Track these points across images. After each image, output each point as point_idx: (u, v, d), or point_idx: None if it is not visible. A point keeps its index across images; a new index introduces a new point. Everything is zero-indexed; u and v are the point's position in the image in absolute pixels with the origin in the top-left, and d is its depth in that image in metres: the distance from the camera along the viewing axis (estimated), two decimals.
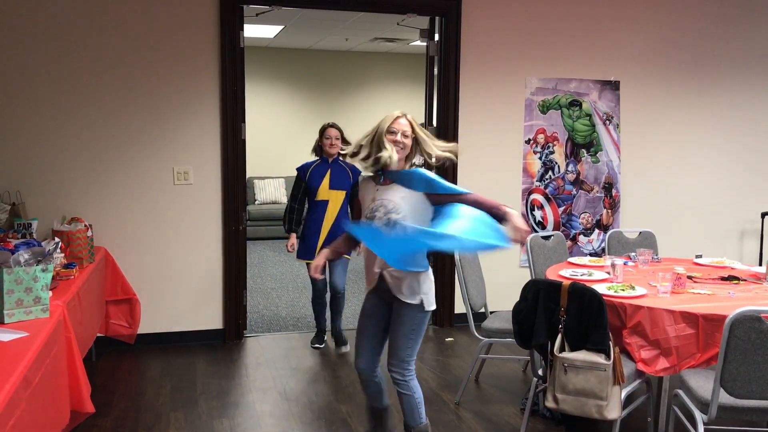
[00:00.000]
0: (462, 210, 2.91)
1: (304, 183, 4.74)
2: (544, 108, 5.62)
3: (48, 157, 4.68)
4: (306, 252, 4.79)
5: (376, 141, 3.00)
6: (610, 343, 3.11)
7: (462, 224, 2.79)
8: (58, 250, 3.71)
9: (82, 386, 3.10)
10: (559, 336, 3.17)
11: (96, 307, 4.16)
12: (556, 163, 5.70)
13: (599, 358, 3.07)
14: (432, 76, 5.51)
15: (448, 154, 3.10)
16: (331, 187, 4.69)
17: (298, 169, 4.79)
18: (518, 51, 5.51)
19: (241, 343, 5.14)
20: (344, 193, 4.72)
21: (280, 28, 8.61)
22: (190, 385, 4.29)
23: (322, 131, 4.76)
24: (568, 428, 3.72)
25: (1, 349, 2.49)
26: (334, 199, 4.69)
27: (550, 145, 5.67)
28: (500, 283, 5.14)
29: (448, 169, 5.39)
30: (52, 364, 2.73)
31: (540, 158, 5.65)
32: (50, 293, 3.05)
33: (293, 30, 8.76)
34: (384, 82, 11.12)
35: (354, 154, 3.06)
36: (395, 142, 2.98)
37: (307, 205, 4.82)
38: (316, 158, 4.78)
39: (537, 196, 5.68)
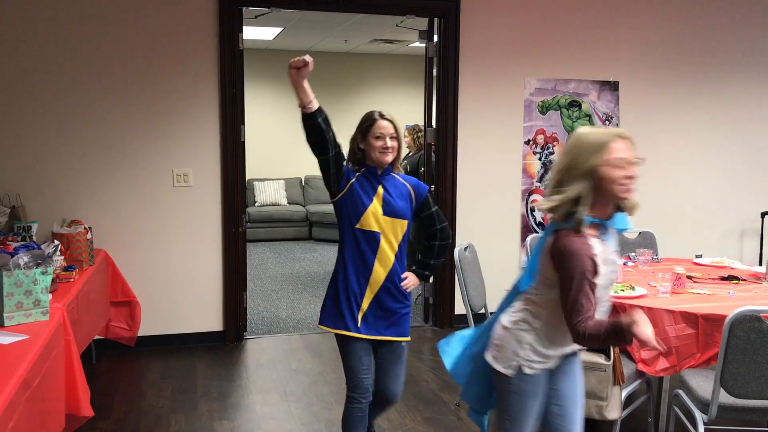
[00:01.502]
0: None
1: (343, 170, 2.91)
2: (544, 108, 5.62)
3: (48, 160, 4.69)
4: (334, 315, 2.98)
5: (591, 183, 2.19)
6: None
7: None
8: (58, 253, 3.70)
9: (80, 390, 3.10)
10: None
11: (97, 309, 4.16)
12: None
13: (599, 359, 3.07)
14: (431, 77, 5.51)
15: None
16: (387, 212, 2.89)
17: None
18: (517, 52, 5.51)
19: (242, 344, 5.14)
20: (405, 223, 2.94)
21: (279, 29, 8.62)
22: (191, 387, 4.29)
23: (368, 125, 2.91)
24: None
25: (1, 351, 2.49)
26: (390, 231, 2.90)
27: (550, 145, 5.67)
28: (500, 283, 5.11)
29: (447, 170, 5.39)
30: (52, 367, 2.73)
31: (540, 159, 5.65)
32: (50, 296, 3.05)
33: (292, 32, 8.77)
34: (383, 84, 11.12)
35: (569, 215, 2.19)
36: (628, 180, 2.23)
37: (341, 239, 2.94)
38: (357, 168, 2.97)
39: (537, 197, 5.69)
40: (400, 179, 2.98)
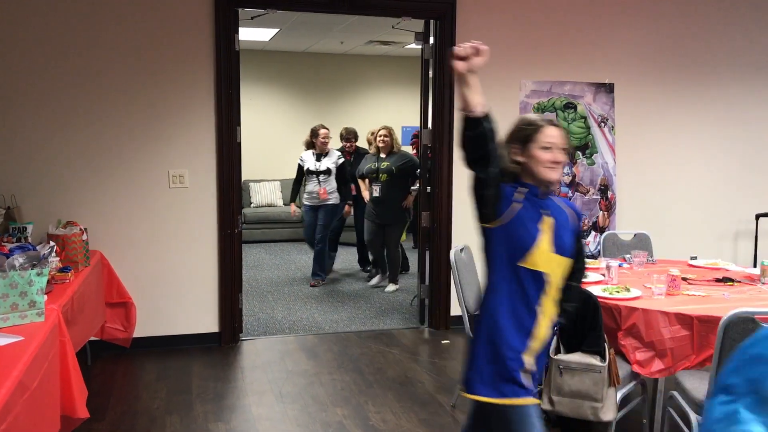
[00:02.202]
0: None
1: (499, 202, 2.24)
2: (539, 110, 5.63)
3: (43, 160, 4.68)
4: (495, 379, 2.27)
5: None
6: (606, 344, 3.12)
7: None
8: (54, 254, 3.70)
9: (76, 391, 3.09)
10: (555, 338, 3.18)
11: (92, 310, 4.15)
12: None
13: (595, 360, 3.08)
14: (427, 79, 5.52)
15: None
16: (557, 248, 2.28)
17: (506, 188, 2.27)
18: (513, 53, 5.52)
19: (237, 346, 5.13)
20: (569, 261, 2.34)
21: (275, 31, 8.62)
22: (186, 389, 4.28)
23: (530, 133, 2.30)
24: (563, 430, 3.73)
25: None
26: (558, 271, 2.31)
27: None
28: None
29: (443, 172, 5.40)
30: (47, 369, 2.72)
31: None
32: (45, 297, 3.05)
33: (288, 33, 8.77)
34: (379, 85, 11.13)
35: None
36: None
37: (491, 277, 2.31)
38: (517, 186, 2.30)
39: None
40: (560, 203, 2.37)
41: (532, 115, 2.36)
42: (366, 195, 6.95)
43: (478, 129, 2.10)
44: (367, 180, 6.93)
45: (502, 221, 2.22)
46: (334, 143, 7.50)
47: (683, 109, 6.02)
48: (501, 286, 2.26)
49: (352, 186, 7.28)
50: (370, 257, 7.39)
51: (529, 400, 2.27)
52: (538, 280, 2.25)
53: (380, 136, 6.75)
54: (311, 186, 7.00)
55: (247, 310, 5.97)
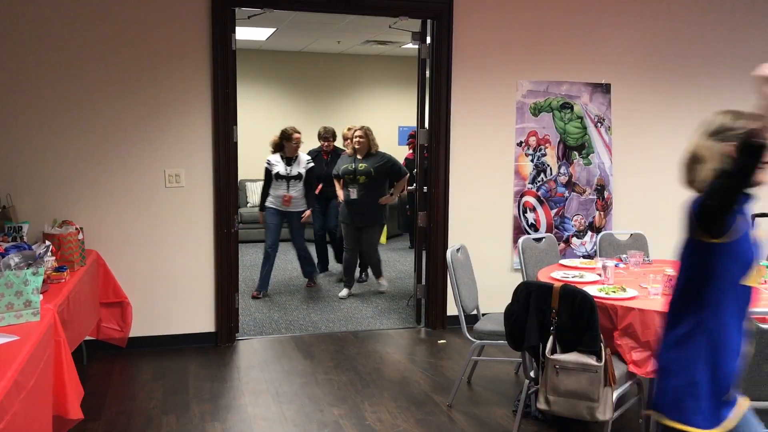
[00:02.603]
0: None
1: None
2: (536, 110, 5.64)
3: (39, 159, 4.66)
4: (714, 410, 2.08)
5: None
6: (602, 344, 3.12)
7: None
8: (49, 254, 3.69)
9: (70, 392, 3.07)
10: (551, 338, 3.18)
11: (88, 310, 4.14)
12: (548, 165, 5.72)
13: (591, 360, 3.09)
14: (424, 78, 5.52)
15: None
16: (763, 259, 2.23)
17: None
18: (510, 53, 5.53)
19: (234, 346, 5.13)
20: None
21: (272, 30, 8.61)
22: (182, 389, 4.27)
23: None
24: (560, 430, 3.73)
25: None
26: (756, 282, 2.20)
27: (542, 147, 5.68)
28: (492, 285, 5.15)
29: (439, 171, 5.40)
30: (43, 369, 2.72)
31: (532, 161, 5.67)
32: (41, 297, 3.04)
33: (285, 32, 8.77)
34: (376, 85, 11.13)
35: None
36: None
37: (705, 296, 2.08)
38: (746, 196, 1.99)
39: (529, 199, 5.70)
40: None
41: (735, 110, 2.13)
42: (341, 195, 6.64)
43: (756, 156, 1.88)
44: (342, 181, 6.61)
45: (732, 236, 1.98)
46: (312, 143, 7.37)
47: (679, 110, 6.02)
48: (725, 305, 2.05)
49: (319, 185, 7.00)
50: (343, 260, 6.90)
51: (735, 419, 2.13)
52: (748, 295, 2.08)
53: (356, 137, 6.44)
54: (280, 191, 6.62)
55: (244, 310, 5.97)
